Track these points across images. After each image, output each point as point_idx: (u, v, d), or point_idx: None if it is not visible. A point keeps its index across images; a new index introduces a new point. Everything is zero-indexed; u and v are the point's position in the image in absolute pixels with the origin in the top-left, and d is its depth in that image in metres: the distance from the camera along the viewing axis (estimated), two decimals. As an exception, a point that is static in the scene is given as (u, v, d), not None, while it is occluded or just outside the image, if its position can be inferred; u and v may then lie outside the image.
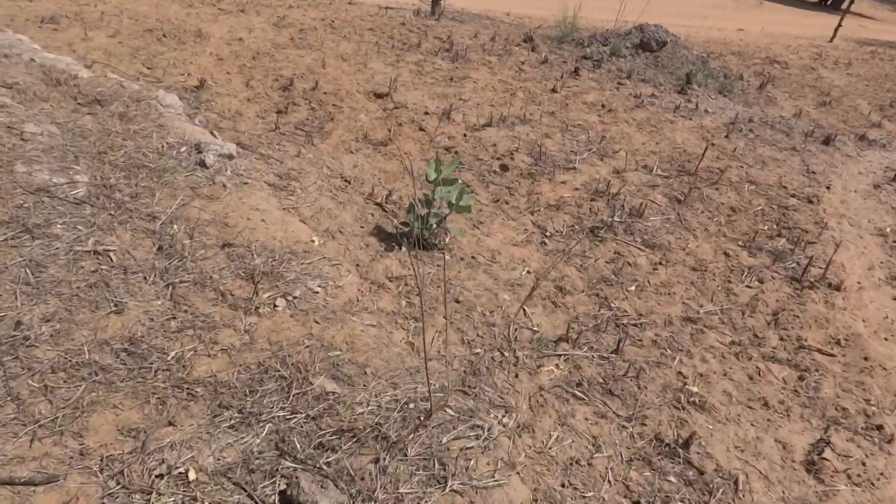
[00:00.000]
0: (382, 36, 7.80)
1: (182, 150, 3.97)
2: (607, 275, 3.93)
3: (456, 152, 5.13)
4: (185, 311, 2.70)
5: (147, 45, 6.52)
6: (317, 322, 2.75)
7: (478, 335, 3.16)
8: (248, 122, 5.31)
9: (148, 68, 6.05)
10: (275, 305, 2.80)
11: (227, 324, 2.67)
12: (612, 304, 3.67)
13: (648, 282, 3.92)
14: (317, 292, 2.94)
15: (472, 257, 3.90)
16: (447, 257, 3.79)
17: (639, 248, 4.19)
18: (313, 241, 3.46)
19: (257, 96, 5.81)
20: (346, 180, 4.53)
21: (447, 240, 3.96)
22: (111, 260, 2.91)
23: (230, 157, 4.04)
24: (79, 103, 4.33)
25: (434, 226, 3.77)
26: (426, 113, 5.65)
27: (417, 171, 4.84)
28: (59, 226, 3.04)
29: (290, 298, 2.85)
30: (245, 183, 3.77)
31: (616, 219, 4.41)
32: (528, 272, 3.88)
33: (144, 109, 4.39)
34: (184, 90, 5.66)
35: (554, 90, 6.33)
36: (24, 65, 4.73)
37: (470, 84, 6.36)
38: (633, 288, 3.85)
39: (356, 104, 5.76)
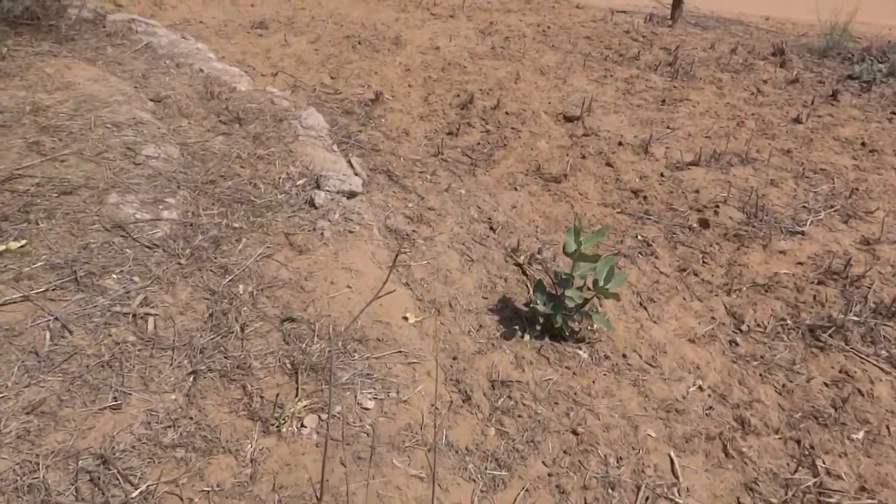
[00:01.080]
0: (598, 45, 6.79)
1: (299, 182, 3.45)
2: (822, 406, 2.68)
3: (644, 197, 4.05)
4: (192, 418, 2.11)
5: (340, 52, 6.25)
6: (342, 464, 1.99)
7: (585, 501, 2.17)
8: (411, 143, 4.71)
9: (332, 78, 5.73)
10: (302, 425, 2.10)
11: (231, 447, 2.02)
12: (820, 463, 2.45)
13: (888, 429, 2.60)
14: (367, 409, 2.18)
15: (623, 355, 2.87)
16: (583, 355, 2.82)
17: (880, 369, 2.84)
18: (406, 318, 2.71)
19: (432, 113, 5.20)
20: (492, 227, 3.71)
21: (593, 327, 2.98)
22: (147, 328, 2.42)
23: (351, 194, 3.44)
24: (220, 120, 4.03)
25: (574, 310, 2.82)
26: (620, 143, 4.62)
27: (588, 220, 3.88)
28: (114, 275, 2.63)
29: (323, 417, 2.13)
30: (350, 231, 3.13)
31: (852, 316, 3.07)
32: (701, 388, 2.77)
33: (283, 130, 3.97)
34: (358, 104, 5.23)
35: (797, 120, 4.89)
36: (189, 76, 4.58)
37: (686, 108, 5.15)
38: (859, 436, 2.56)
39: (539, 128, 4.90)
